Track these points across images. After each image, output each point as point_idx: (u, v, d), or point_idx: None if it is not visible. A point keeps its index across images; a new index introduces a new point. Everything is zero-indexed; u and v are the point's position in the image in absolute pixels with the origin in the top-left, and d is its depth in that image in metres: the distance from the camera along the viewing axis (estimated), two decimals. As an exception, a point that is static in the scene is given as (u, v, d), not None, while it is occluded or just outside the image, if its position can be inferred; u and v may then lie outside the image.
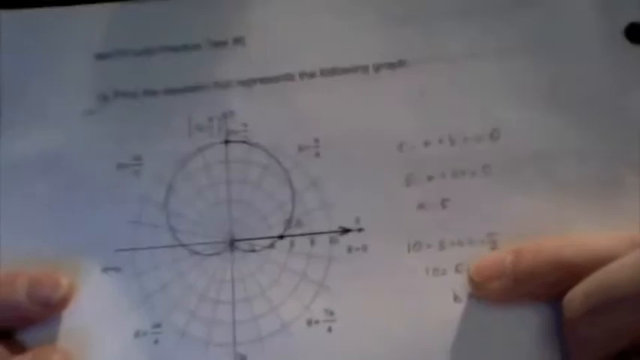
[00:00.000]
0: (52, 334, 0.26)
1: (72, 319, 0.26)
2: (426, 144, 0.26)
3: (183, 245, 0.26)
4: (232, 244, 0.26)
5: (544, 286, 0.24)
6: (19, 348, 0.26)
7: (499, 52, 0.26)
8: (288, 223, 0.26)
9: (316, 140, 0.26)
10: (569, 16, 0.26)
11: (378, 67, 0.27)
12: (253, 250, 0.26)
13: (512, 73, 0.26)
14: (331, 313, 0.25)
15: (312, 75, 0.27)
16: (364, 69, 0.27)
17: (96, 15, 0.28)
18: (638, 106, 0.25)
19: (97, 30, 0.28)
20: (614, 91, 0.25)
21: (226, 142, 0.27)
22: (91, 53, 0.28)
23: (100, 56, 0.28)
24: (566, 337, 0.23)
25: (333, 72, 0.27)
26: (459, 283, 0.25)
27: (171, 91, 0.27)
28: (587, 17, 0.26)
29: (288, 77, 0.27)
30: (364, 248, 0.26)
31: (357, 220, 0.26)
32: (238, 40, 0.27)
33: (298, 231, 0.26)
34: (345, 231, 0.26)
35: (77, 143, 0.27)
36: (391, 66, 0.27)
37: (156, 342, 0.26)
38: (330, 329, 0.25)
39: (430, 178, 0.26)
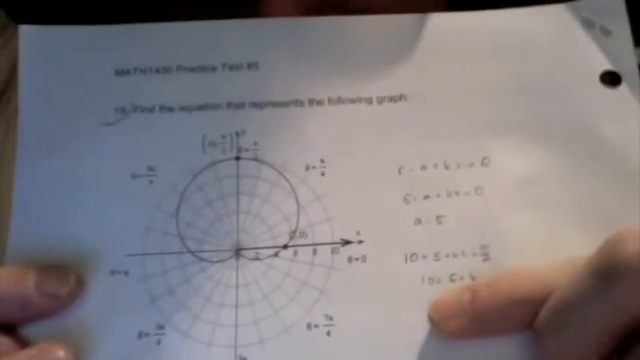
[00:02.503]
0: (56, 331, 0.26)
1: (76, 318, 0.27)
2: (423, 168, 0.28)
3: (191, 252, 0.28)
4: (238, 252, 0.28)
5: (503, 323, 0.25)
6: (23, 343, 0.26)
7: (490, 90, 0.29)
8: (293, 234, 0.28)
9: (322, 161, 0.29)
10: (552, 61, 0.29)
11: (380, 100, 0.29)
12: (258, 259, 0.27)
13: (501, 108, 0.29)
14: (330, 318, 0.26)
15: (320, 102, 0.29)
16: (368, 100, 0.29)
17: (116, 33, 0.30)
18: (612, 140, 0.28)
19: (118, 48, 0.30)
20: (589, 125, 0.28)
21: (237, 158, 0.29)
22: (111, 69, 0.30)
23: (120, 72, 0.30)
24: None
25: (339, 101, 0.29)
26: (453, 293, 0.26)
27: (186, 109, 0.29)
28: (567, 63, 0.29)
29: (298, 103, 0.29)
30: (363, 258, 0.27)
31: (358, 233, 0.27)
32: (252, 65, 0.30)
33: (302, 241, 0.28)
34: (346, 242, 0.27)
35: (95, 152, 0.29)
36: (392, 99, 0.29)
37: (159, 342, 0.26)
38: (329, 333, 0.26)
39: (426, 197, 0.28)
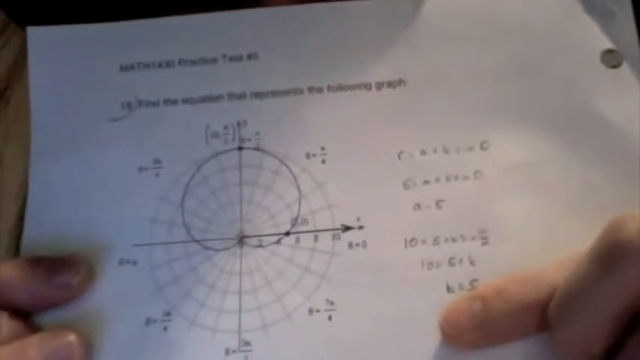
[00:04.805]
0: (67, 319, 0.27)
1: (87, 306, 0.28)
2: (423, 153, 0.28)
3: (196, 241, 0.28)
4: (242, 240, 0.28)
5: (515, 329, 0.25)
6: (37, 328, 0.27)
7: (490, 73, 0.29)
8: (295, 221, 0.28)
9: (322, 148, 0.29)
10: (552, 42, 0.29)
11: (379, 85, 0.29)
12: (261, 246, 0.28)
13: (501, 91, 0.29)
14: (332, 303, 0.27)
15: (319, 90, 0.30)
16: (367, 86, 0.30)
17: (120, 30, 0.31)
18: (612, 121, 0.28)
19: (121, 44, 0.31)
20: (590, 107, 0.28)
21: (240, 148, 0.29)
22: (115, 65, 0.30)
23: (124, 68, 0.31)
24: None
25: (339, 88, 0.30)
26: (452, 275, 0.26)
27: (189, 101, 0.30)
28: (567, 44, 0.29)
29: (298, 91, 0.30)
30: (364, 244, 0.27)
31: (358, 219, 0.28)
32: (252, 56, 0.30)
33: (303, 228, 0.28)
34: (347, 228, 0.28)
35: (103, 147, 0.30)
36: (391, 84, 0.29)
37: (165, 329, 0.27)
38: (330, 317, 0.27)
39: (426, 182, 0.28)
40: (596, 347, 0.23)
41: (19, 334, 0.26)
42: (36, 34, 0.31)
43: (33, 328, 0.27)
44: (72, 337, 0.26)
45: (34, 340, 0.26)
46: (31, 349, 0.26)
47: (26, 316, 0.27)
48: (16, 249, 0.31)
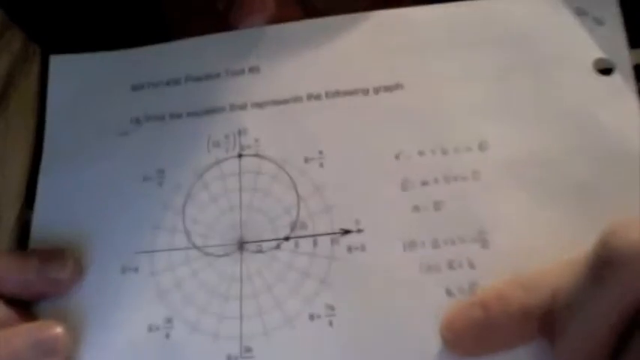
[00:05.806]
0: (65, 318, 0.28)
1: (89, 313, 0.28)
2: (421, 154, 0.28)
3: (197, 247, 0.29)
4: (242, 245, 0.28)
5: (515, 336, 0.25)
6: (34, 318, 0.28)
7: (486, 77, 0.29)
8: (294, 225, 0.28)
9: (320, 152, 0.29)
10: (546, 50, 0.29)
11: (377, 90, 0.30)
12: (261, 251, 0.28)
13: (497, 94, 0.29)
14: (332, 308, 0.27)
15: (318, 97, 0.30)
16: (365, 91, 0.30)
17: (132, 55, 0.32)
18: (608, 126, 0.27)
19: (133, 67, 0.32)
20: (585, 111, 0.28)
21: (240, 155, 0.30)
22: (128, 85, 0.32)
23: (135, 87, 0.32)
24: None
25: (336, 94, 0.30)
26: (452, 279, 0.26)
27: (193, 114, 0.31)
28: (561, 52, 0.29)
29: (297, 99, 0.30)
30: (363, 248, 0.27)
31: (357, 222, 0.28)
32: (253, 69, 0.31)
33: (302, 233, 0.28)
34: (346, 232, 0.28)
35: (110, 159, 0.31)
36: (388, 89, 0.29)
37: (167, 336, 0.27)
38: (330, 323, 0.27)
39: (424, 184, 0.28)
40: (598, 356, 0.23)
41: (14, 321, 0.27)
42: (58, 62, 0.32)
43: (29, 317, 0.28)
44: (58, 330, 0.27)
45: (22, 329, 0.27)
46: (18, 339, 0.26)
47: (26, 306, 0.28)
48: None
